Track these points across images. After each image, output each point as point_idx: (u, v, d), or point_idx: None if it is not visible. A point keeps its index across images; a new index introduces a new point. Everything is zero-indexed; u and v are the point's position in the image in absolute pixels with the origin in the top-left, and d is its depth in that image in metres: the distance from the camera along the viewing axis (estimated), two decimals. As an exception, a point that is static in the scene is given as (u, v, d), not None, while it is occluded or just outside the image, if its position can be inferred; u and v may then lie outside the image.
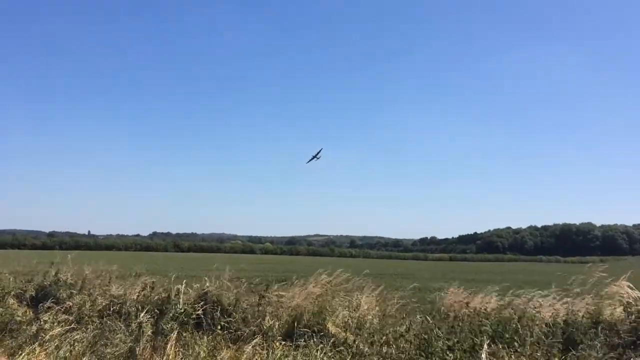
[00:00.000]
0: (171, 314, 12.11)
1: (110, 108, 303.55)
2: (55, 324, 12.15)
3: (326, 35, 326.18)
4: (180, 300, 13.28)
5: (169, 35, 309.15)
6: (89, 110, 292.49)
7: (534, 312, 12.37)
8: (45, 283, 15.49)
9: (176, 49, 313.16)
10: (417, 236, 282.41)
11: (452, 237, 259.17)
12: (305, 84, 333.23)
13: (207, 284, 14.02)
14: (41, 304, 13.61)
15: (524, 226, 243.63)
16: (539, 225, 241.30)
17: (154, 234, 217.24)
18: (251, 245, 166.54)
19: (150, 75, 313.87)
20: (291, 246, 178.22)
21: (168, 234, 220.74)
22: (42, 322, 12.24)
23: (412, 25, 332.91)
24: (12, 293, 14.77)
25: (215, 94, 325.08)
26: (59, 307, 13.22)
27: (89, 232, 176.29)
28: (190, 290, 13.68)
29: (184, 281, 13.94)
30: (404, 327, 11.21)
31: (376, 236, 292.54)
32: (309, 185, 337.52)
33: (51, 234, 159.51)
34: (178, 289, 14.10)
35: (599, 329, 10.78)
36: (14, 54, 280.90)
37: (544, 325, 11.27)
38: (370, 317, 12.79)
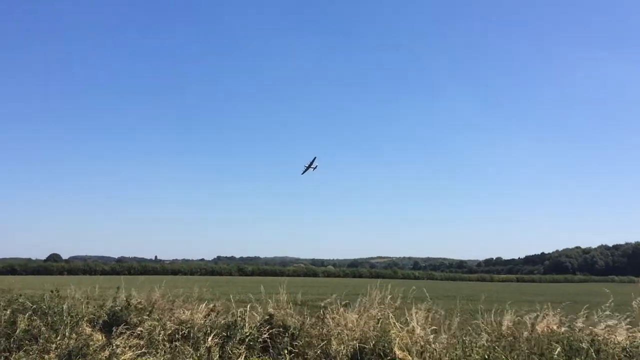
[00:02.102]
0: (238, 338, 12.26)
1: (173, 140, 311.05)
2: (126, 349, 12.48)
3: (380, 49, 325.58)
4: (246, 324, 13.45)
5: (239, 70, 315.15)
6: (154, 142, 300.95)
7: (607, 336, 11.90)
8: (116, 308, 15.92)
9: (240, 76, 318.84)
10: (482, 257, 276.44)
11: (519, 258, 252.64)
12: (357, 100, 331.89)
13: (272, 308, 14.14)
14: (113, 329, 13.99)
15: (593, 245, 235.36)
16: (610, 244, 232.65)
17: (218, 258, 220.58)
18: (314, 268, 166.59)
19: (217, 109, 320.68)
20: (353, 269, 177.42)
21: (232, 258, 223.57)
22: (114, 347, 12.58)
23: (474, 31, 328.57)
24: (86, 318, 15.21)
25: (279, 125, 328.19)
26: (130, 332, 13.57)
27: (155, 257, 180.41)
28: (256, 314, 13.82)
29: (249, 305, 14.10)
30: (469, 350, 11.00)
31: (440, 257, 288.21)
32: (369, 207, 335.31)
33: (120, 260, 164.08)
34: (243, 313, 14.29)
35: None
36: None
37: (619, 350, 10.83)
38: (434, 339, 12.60)
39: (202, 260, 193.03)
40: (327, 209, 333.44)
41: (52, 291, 16.49)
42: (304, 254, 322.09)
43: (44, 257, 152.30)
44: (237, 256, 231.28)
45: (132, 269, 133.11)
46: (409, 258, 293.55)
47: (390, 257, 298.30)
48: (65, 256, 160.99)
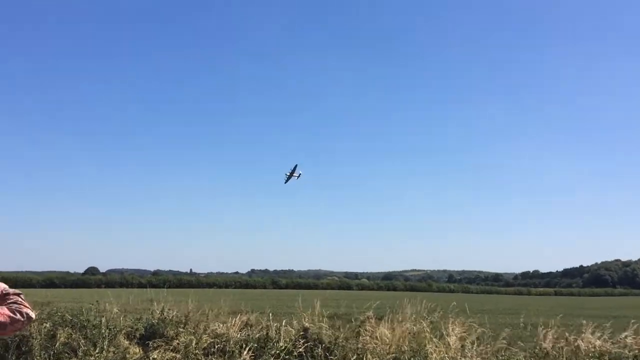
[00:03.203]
0: (273, 352, 12.28)
1: (210, 154, 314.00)
2: (163, 362, 12.59)
3: (413, 58, 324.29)
4: (281, 338, 13.47)
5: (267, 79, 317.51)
6: (190, 157, 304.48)
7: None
8: (152, 321, 16.08)
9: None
10: (518, 270, 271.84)
11: (557, 271, 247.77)
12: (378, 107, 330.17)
13: (307, 322, 14.14)
14: (150, 342, 14.13)
15: (634, 258, 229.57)
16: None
17: (252, 271, 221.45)
18: (348, 281, 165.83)
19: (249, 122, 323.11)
20: (387, 281, 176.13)
21: (266, 271, 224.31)
22: (151, 360, 12.72)
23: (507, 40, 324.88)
24: (123, 331, 15.40)
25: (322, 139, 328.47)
26: (166, 345, 13.70)
27: (190, 270, 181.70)
28: (291, 328, 13.83)
29: (284, 320, 14.11)
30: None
31: (475, 270, 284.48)
32: (403, 218, 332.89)
33: (155, 273, 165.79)
34: (278, 327, 14.31)
35: None
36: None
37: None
38: (472, 354, 12.44)
39: (237, 273, 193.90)
40: (361, 221, 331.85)
41: (91, 304, 16.76)
42: (338, 266, 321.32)
43: (82, 271, 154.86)
44: (271, 269, 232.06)
45: (167, 282, 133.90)
46: (444, 271, 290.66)
47: (424, 270, 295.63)
48: (102, 269, 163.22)
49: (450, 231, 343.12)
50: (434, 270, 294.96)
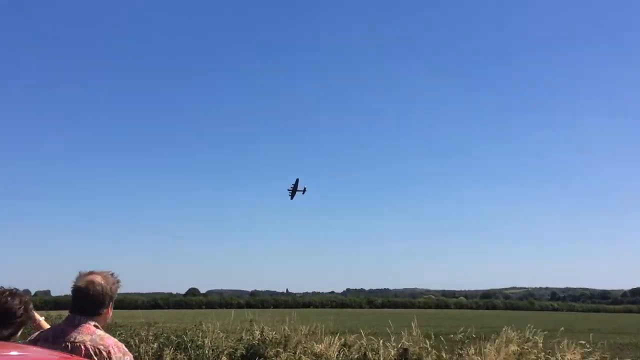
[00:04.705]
0: (372, 373, 12.19)
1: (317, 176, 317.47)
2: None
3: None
4: (380, 358, 13.34)
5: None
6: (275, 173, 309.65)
7: None
8: (253, 342, 16.34)
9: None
10: (627, 286, 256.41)
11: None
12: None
13: (406, 342, 13.94)
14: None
15: None
16: None
17: (348, 290, 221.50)
18: (445, 300, 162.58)
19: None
20: (487, 300, 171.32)
21: (361, 290, 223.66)
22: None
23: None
24: (225, 352, 15.74)
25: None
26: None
27: (287, 290, 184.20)
28: (390, 349, 13.67)
29: (382, 340, 13.98)
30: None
31: (580, 287, 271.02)
32: (501, 234, 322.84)
33: (253, 293, 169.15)
34: (377, 347, 14.18)
35: None
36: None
37: None
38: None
39: (332, 292, 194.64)
40: (458, 236, 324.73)
41: (194, 325, 17.29)
42: (434, 285, 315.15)
43: (183, 292, 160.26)
44: (367, 288, 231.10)
45: (264, 303, 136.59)
46: (546, 288, 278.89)
47: (525, 288, 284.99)
48: (202, 290, 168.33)
49: (551, 245, 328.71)
50: (536, 288, 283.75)
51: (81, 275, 3.74)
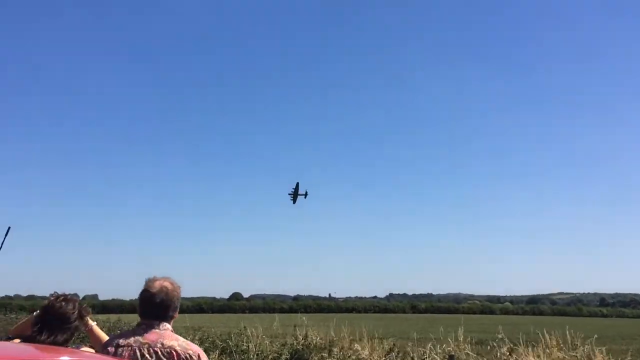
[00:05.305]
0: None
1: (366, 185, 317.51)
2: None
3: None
4: (427, 364, 13.17)
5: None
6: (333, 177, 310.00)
7: None
8: (297, 347, 16.33)
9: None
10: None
11: None
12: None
13: (452, 348, 13.73)
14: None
15: None
16: None
17: (390, 295, 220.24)
18: (490, 305, 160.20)
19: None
20: (533, 305, 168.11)
21: (404, 295, 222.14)
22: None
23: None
24: (270, 357, 15.77)
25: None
26: (312, 371, 13.84)
27: (329, 295, 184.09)
28: (436, 355, 13.48)
29: (429, 345, 13.79)
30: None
31: (630, 293, 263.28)
32: (547, 238, 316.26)
33: (296, 298, 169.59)
34: (422, 353, 14.02)
35: None
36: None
37: None
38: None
39: (375, 297, 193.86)
40: (502, 240, 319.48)
41: (238, 330, 17.38)
42: (478, 290, 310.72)
43: (227, 296, 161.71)
44: (410, 293, 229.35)
45: (307, 307, 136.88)
46: (594, 294, 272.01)
47: (573, 293, 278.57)
48: (246, 295, 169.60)
49: (600, 249, 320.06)
50: (584, 293, 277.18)
51: (150, 281, 3.80)
